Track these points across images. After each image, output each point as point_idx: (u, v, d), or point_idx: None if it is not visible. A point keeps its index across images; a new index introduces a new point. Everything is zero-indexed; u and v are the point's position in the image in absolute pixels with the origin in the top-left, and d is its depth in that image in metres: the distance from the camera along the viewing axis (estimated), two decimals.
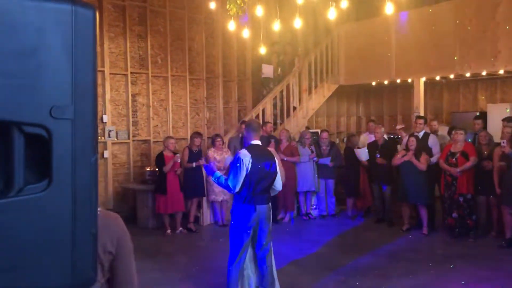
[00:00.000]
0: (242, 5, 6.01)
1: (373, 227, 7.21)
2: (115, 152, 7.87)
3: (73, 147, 0.82)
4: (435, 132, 7.35)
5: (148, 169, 7.64)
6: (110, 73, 7.74)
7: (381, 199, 7.31)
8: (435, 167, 6.61)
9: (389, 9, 5.27)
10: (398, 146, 7.57)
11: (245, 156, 3.83)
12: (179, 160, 6.77)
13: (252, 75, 9.79)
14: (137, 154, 8.13)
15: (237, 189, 3.83)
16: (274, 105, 8.84)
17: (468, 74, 8.25)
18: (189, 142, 7.69)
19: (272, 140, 7.41)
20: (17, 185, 0.82)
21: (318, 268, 5.25)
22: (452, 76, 8.67)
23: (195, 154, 7.08)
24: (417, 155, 6.47)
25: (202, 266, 5.38)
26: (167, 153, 6.84)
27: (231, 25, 6.41)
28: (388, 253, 5.84)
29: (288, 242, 6.35)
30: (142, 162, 8.14)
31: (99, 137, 7.35)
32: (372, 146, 7.35)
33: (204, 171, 6.78)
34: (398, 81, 9.02)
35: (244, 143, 4.43)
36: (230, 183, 3.81)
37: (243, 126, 6.35)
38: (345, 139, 10.59)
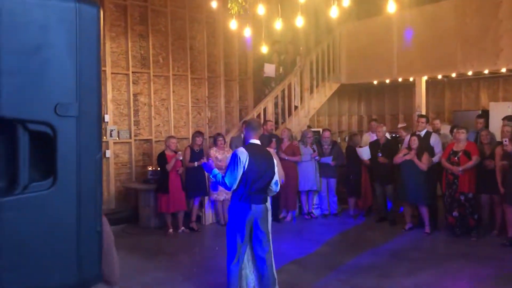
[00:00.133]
0: (244, 4, 6.00)
1: (375, 226, 7.20)
2: (117, 151, 7.88)
3: (77, 145, 0.82)
4: (437, 131, 7.33)
5: (150, 168, 7.65)
6: (112, 73, 7.75)
7: (383, 198, 7.30)
8: (437, 166, 6.60)
9: (391, 7, 5.25)
10: (400, 146, 7.56)
11: (242, 154, 3.83)
12: (181, 158, 6.79)
13: (253, 74, 9.79)
14: (139, 153, 8.14)
15: (234, 186, 3.83)
16: (276, 104, 8.84)
17: (470, 73, 8.24)
18: (190, 141, 7.70)
19: (274, 139, 7.41)
20: (22, 182, 0.82)
21: (320, 267, 5.25)
22: (454, 75, 8.66)
23: (197, 154, 7.08)
24: (419, 154, 6.46)
25: (204, 266, 5.38)
26: (168, 153, 6.85)
27: (233, 24, 6.41)
28: (390, 252, 5.83)
29: (289, 241, 6.35)
30: (144, 162, 8.15)
31: None
32: (374, 145, 7.34)
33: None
34: (400, 80, 9.01)
35: (244, 142, 4.43)
36: (226, 181, 3.82)
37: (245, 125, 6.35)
38: (346, 138, 10.59)
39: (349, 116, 11.81)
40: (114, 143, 7.79)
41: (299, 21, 6.11)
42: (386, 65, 8.58)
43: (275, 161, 4.08)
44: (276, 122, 8.77)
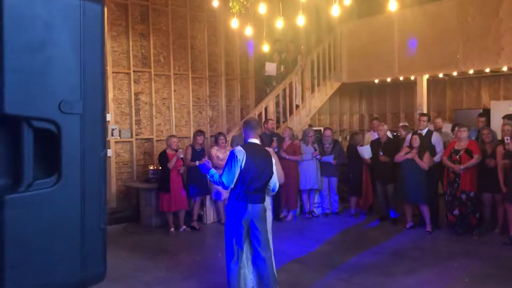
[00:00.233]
0: (245, 2, 6.00)
1: (376, 225, 7.19)
2: (118, 150, 7.89)
3: (82, 142, 0.82)
4: (439, 129, 7.32)
5: (151, 167, 7.66)
6: (113, 72, 7.75)
7: (384, 197, 7.29)
8: (439, 164, 6.59)
9: (392, 6, 5.24)
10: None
11: (239, 153, 3.82)
12: (181, 156, 6.80)
13: (254, 73, 9.78)
14: (140, 152, 8.15)
15: (231, 185, 3.82)
16: (277, 103, 8.83)
17: (471, 71, 8.22)
18: (192, 140, 7.70)
19: (275, 138, 7.41)
20: (26, 180, 0.82)
21: (321, 266, 5.24)
22: (455, 74, 8.64)
23: (198, 153, 7.09)
24: (420, 153, 6.45)
25: (205, 265, 5.38)
26: (170, 152, 6.85)
27: (234, 23, 6.40)
28: (391, 250, 5.83)
29: (290, 240, 6.35)
30: (145, 161, 8.16)
31: None
32: (375, 144, 7.34)
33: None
34: (401, 78, 8.99)
35: (244, 141, 4.42)
36: (223, 179, 3.81)
37: None
38: (347, 137, 10.58)
39: (350, 115, 11.79)
40: (116, 142, 7.79)
41: (300, 20, 6.10)
42: (387, 64, 8.56)
43: (273, 160, 4.06)
44: (278, 121, 8.76)
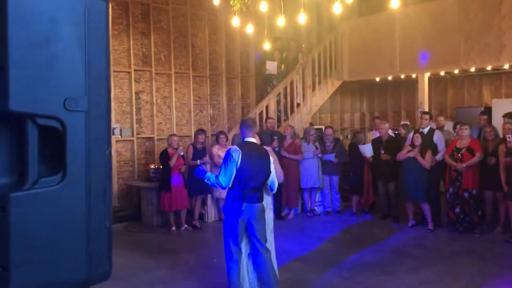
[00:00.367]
0: (246, 1, 5.98)
1: (378, 223, 7.19)
2: (119, 149, 7.88)
3: (87, 140, 0.81)
4: (441, 128, 7.31)
5: (152, 166, 7.66)
6: (114, 71, 7.74)
7: (386, 195, 7.29)
8: (441, 162, 6.58)
9: (394, 3, 5.23)
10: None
11: (235, 152, 3.81)
12: (182, 153, 6.79)
13: (255, 71, 9.77)
14: (141, 151, 8.14)
15: (228, 185, 3.81)
16: (278, 102, 8.82)
17: (473, 69, 8.21)
18: (193, 139, 7.69)
19: (276, 137, 7.39)
20: (31, 178, 0.81)
21: (323, 264, 5.24)
22: (456, 71, 8.62)
23: (199, 151, 7.08)
24: (422, 151, 6.44)
25: (207, 264, 5.38)
26: (171, 150, 6.85)
27: (235, 21, 6.38)
28: (393, 249, 5.82)
29: (292, 238, 6.34)
30: (146, 160, 8.15)
31: None
32: (376, 142, 7.33)
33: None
34: (402, 76, 8.98)
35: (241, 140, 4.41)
36: (220, 179, 3.80)
37: None
38: (349, 135, 10.57)
39: (351, 113, 11.78)
40: (117, 141, 7.79)
41: (302, 18, 6.08)
42: (389, 62, 8.55)
43: (271, 159, 4.04)
44: (278, 120, 8.75)
